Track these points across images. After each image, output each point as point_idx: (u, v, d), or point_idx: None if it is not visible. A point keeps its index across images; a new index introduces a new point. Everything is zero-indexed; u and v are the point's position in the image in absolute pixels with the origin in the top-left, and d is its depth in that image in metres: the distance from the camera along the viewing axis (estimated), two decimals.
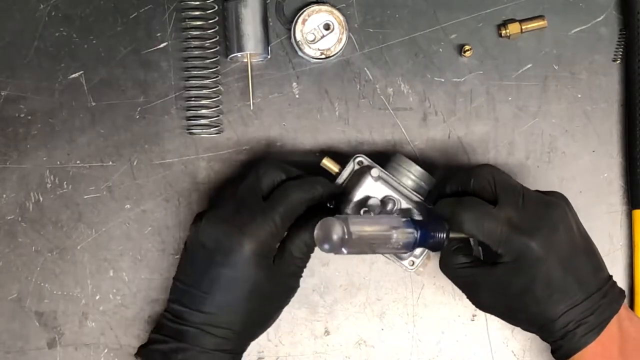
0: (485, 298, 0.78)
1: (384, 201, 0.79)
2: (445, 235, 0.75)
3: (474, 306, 0.80)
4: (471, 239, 0.80)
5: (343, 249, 0.70)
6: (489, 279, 0.76)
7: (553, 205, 0.76)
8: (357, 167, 0.82)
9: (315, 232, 0.71)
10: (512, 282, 0.75)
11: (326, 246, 0.70)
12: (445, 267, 0.79)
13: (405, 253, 0.79)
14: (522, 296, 0.75)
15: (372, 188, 0.79)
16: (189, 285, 0.77)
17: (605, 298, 0.76)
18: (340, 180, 0.82)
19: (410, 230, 0.74)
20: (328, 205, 0.82)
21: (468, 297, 0.80)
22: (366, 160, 0.82)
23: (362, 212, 0.78)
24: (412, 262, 0.81)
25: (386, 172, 0.81)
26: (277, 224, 0.76)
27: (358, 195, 0.79)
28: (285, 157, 0.88)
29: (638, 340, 0.77)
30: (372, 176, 0.79)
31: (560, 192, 0.79)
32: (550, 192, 0.79)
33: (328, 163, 0.83)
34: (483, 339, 0.89)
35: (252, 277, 0.75)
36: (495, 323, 0.89)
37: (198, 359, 0.76)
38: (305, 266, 0.79)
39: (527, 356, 0.89)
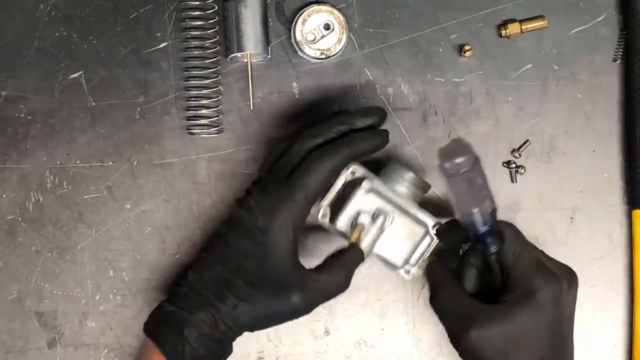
0: (474, 335, 0.74)
1: (374, 217, 0.79)
2: (496, 248, 0.75)
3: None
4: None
5: (454, 173, 0.70)
6: (489, 314, 0.74)
7: (569, 269, 0.78)
8: (350, 177, 0.81)
9: (445, 145, 0.71)
10: (513, 320, 0.73)
11: (447, 165, 0.70)
12: (441, 298, 0.78)
13: (468, 225, 0.75)
14: (515, 342, 0.73)
15: (364, 200, 0.79)
16: (204, 250, 0.78)
17: None
18: (334, 190, 0.80)
19: (486, 218, 0.74)
20: None
21: (450, 335, 0.77)
22: (360, 169, 0.80)
23: (351, 226, 0.79)
24: (407, 271, 0.81)
25: (380, 181, 0.80)
26: (301, 205, 0.75)
27: (350, 208, 0.79)
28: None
29: None
30: (363, 189, 0.79)
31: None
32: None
33: None
34: None
35: (255, 255, 0.74)
36: None
37: (187, 321, 0.74)
38: (322, 301, 0.78)
39: None
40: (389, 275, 0.89)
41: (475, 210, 0.72)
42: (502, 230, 0.75)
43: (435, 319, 0.88)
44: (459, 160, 0.70)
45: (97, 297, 0.87)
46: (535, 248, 0.79)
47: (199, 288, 0.75)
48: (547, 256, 0.79)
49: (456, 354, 0.89)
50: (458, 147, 0.70)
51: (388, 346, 0.89)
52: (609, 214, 0.90)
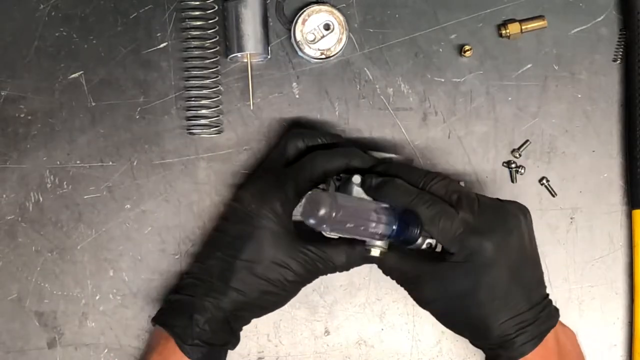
0: (426, 294, 0.77)
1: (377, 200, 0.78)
2: (418, 231, 0.75)
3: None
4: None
5: (325, 226, 0.70)
6: (434, 275, 0.76)
7: (508, 212, 0.77)
8: (337, 182, 0.81)
9: (303, 204, 0.71)
10: (457, 281, 0.75)
11: (312, 220, 0.69)
12: (387, 260, 0.78)
13: (379, 240, 0.76)
14: (464, 297, 0.75)
15: (362, 194, 0.78)
16: (205, 244, 0.84)
17: (544, 311, 0.76)
18: None
19: (389, 221, 0.74)
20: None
21: (409, 293, 0.79)
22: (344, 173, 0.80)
23: None
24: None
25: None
26: (289, 192, 0.78)
27: None
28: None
29: (574, 353, 0.78)
30: (355, 184, 0.78)
31: (519, 202, 0.78)
32: (509, 201, 0.78)
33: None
34: None
35: (251, 236, 0.77)
36: None
37: (195, 306, 0.77)
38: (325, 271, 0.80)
39: None
40: None
41: (372, 230, 0.73)
42: (415, 215, 0.75)
43: (435, 319, 0.88)
44: (320, 214, 0.69)
45: (97, 297, 0.87)
46: (459, 201, 0.76)
47: (203, 276, 0.78)
48: (475, 205, 0.76)
49: (456, 354, 0.89)
50: (311, 205, 0.69)
51: (388, 346, 0.89)
52: (609, 214, 0.90)
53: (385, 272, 0.80)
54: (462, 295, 0.75)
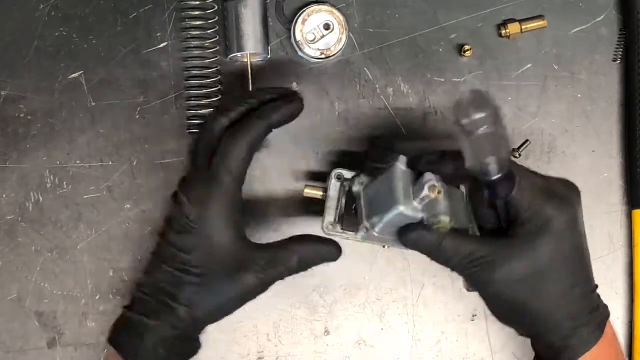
0: (495, 276, 0.69)
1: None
2: (507, 193, 0.67)
3: (479, 304, 0.75)
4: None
5: (472, 130, 0.59)
6: (503, 253, 0.69)
7: (572, 185, 0.73)
8: (336, 180, 0.77)
9: (462, 99, 0.60)
10: (531, 257, 0.69)
11: (465, 121, 0.58)
12: (445, 246, 0.69)
13: (485, 177, 0.65)
14: (535, 277, 0.69)
15: (408, 178, 0.70)
16: (152, 252, 0.76)
17: (600, 299, 0.74)
18: (332, 205, 0.77)
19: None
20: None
21: (469, 277, 0.72)
22: (346, 173, 0.77)
23: (420, 200, 0.68)
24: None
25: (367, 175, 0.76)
26: (227, 189, 0.72)
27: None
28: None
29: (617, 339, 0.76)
30: (401, 164, 0.70)
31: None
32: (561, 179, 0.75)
33: (311, 191, 0.79)
34: (483, 339, 0.89)
35: (195, 247, 0.72)
36: (495, 323, 0.89)
37: (146, 326, 0.72)
38: (274, 279, 0.74)
39: (527, 356, 0.89)
40: (389, 275, 0.89)
41: (491, 160, 0.64)
42: (514, 174, 0.68)
43: (435, 318, 0.88)
44: (478, 116, 0.58)
45: (97, 297, 0.87)
46: (534, 173, 0.72)
47: (152, 291, 0.73)
48: (545, 177, 0.72)
49: (456, 354, 0.89)
50: (477, 100, 0.59)
51: (388, 346, 0.89)
52: (609, 214, 0.90)
53: (440, 259, 0.70)
54: (533, 274, 0.69)
